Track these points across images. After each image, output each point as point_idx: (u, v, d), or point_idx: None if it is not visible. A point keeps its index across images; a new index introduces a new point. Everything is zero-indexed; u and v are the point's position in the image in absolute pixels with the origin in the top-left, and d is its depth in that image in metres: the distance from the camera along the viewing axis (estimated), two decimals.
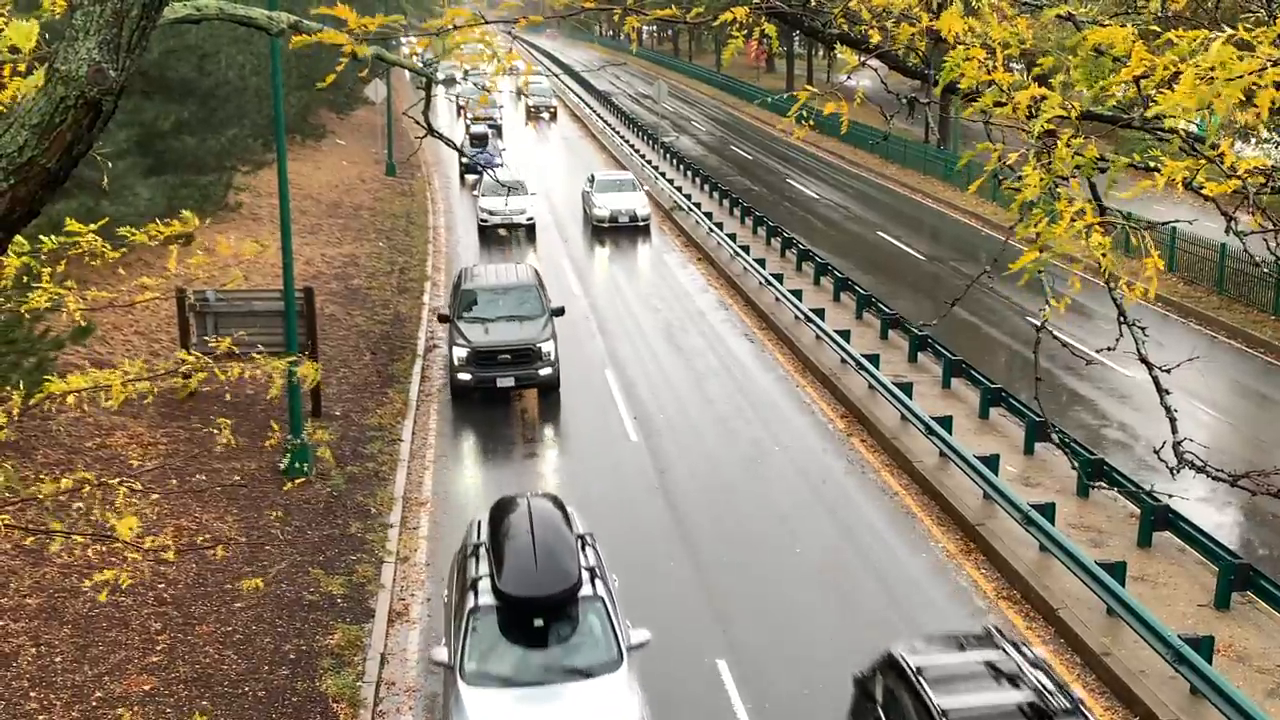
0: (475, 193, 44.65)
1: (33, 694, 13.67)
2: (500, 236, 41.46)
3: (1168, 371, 5.08)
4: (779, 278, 32.65)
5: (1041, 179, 4.82)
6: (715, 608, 16.78)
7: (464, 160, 49.41)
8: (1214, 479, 4.67)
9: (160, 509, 18.39)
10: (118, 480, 7.55)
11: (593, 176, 45.20)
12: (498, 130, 63.08)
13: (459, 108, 68.07)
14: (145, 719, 13.40)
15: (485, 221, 41.39)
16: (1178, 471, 4.95)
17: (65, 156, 4.78)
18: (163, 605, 15.89)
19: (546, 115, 78.99)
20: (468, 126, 61.54)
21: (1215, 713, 13.34)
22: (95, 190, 20.93)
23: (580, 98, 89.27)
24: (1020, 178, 4.87)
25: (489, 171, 48.09)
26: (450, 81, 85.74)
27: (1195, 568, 17.25)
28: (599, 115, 77.35)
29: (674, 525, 19.40)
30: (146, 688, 14.02)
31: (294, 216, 28.90)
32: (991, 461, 19.75)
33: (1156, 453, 5.24)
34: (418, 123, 6.45)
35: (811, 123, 6.16)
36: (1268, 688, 14.26)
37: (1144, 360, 5.01)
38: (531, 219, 41.92)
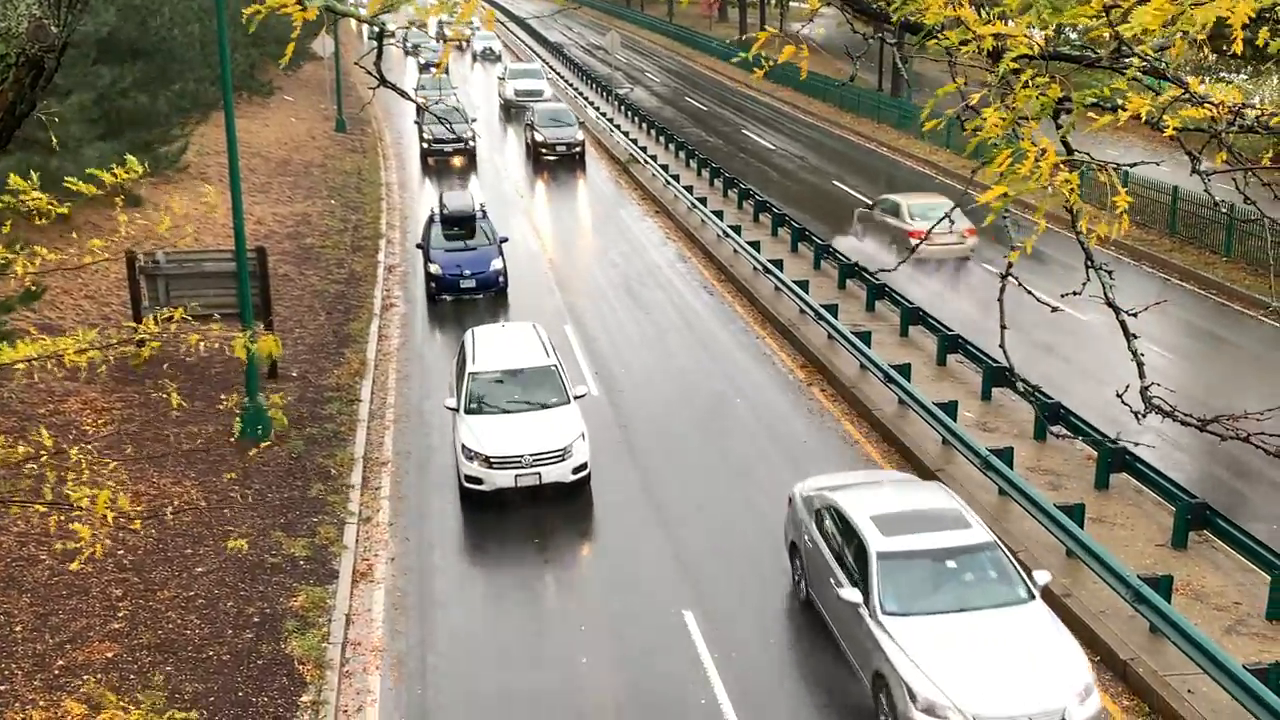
0: (450, 404, 19.55)
1: None
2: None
3: (1134, 315, 5.05)
4: (737, 229, 32.58)
5: (1003, 119, 4.76)
6: (681, 561, 16.82)
7: (432, 269, 28.05)
8: (1182, 424, 4.66)
9: (118, 475, 18.16)
10: (76, 450, 7.40)
11: (835, 512, 14.77)
12: (470, 156, 45.34)
13: (418, 110, 41.65)
14: (109, 687, 13.28)
15: (473, 485, 18.24)
16: (1144, 416, 4.92)
17: (8, 116, 4.63)
18: (123, 572, 15.73)
19: (558, 153, 45.53)
20: (427, 150, 45.58)
21: (1174, 650, 13.55)
22: (43, 148, 20.46)
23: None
24: (981, 116, 4.80)
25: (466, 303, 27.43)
26: (415, 50, 73.69)
27: (1153, 508, 17.47)
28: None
29: (638, 479, 19.40)
30: (109, 655, 13.90)
31: (243, 175, 28.52)
32: (950, 408, 19.87)
33: (1119, 395, 5.20)
34: (369, 73, 6.29)
35: (764, 72, 6.09)
36: (1225, 624, 14.50)
37: (1111, 305, 4.97)
38: (582, 469, 18.54)
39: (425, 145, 45.69)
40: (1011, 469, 17.67)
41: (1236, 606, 14.91)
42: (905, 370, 21.76)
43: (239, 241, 20.18)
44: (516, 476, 18.04)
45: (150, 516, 15.68)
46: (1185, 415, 4.62)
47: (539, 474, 18.05)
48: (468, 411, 18.96)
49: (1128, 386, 5.10)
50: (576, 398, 19.49)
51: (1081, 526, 16.04)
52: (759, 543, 17.22)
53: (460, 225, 29.39)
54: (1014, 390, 21.30)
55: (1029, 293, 5.68)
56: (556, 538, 17.67)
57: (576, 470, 18.32)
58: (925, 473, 19.09)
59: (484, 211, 30.35)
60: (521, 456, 18.05)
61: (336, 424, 21.08)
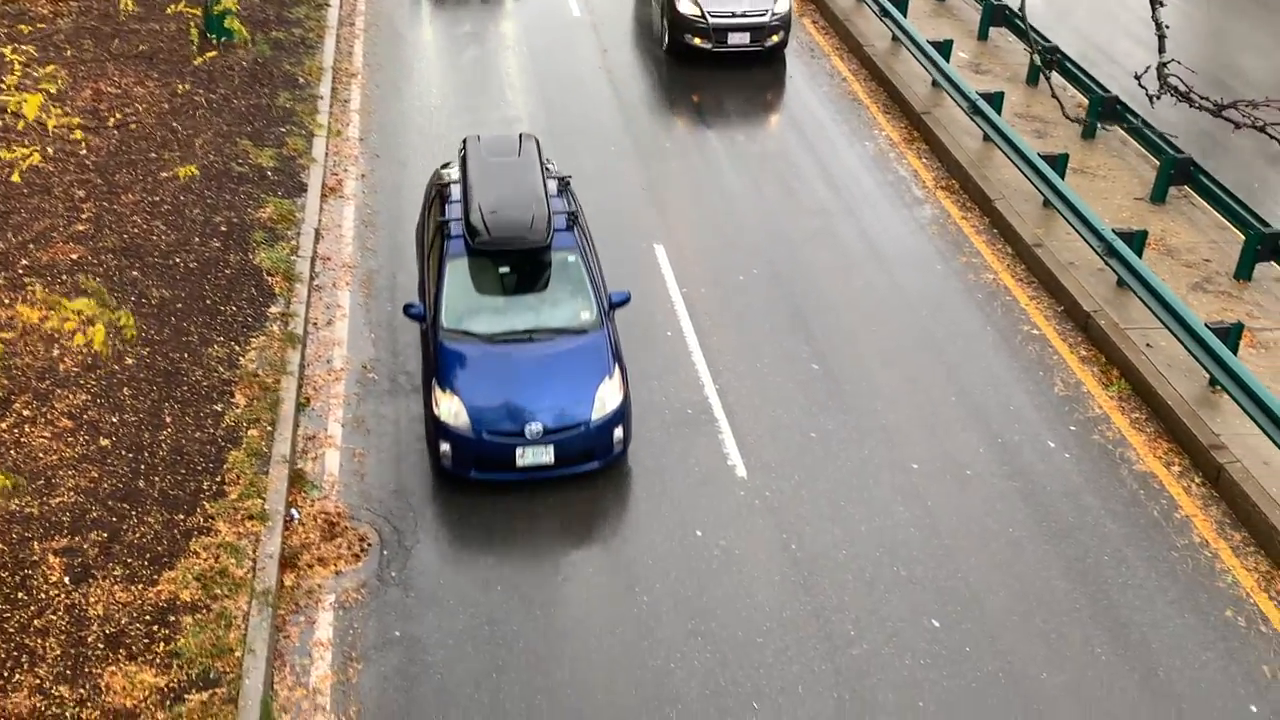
0: None
1: None
2: None
3: None
4: None
5: None
6: (655, 196, 16.58)
7: (444, 413, 11.09)
8: (1197, 108, 4.31)
9: (77, 71, 17.47)
10: (11, 49, 6.89)
11: None
12: None
13: None
14: (74, 289, 13.25)
15: None
16: (1158, 97, 4.54)
17: None
18: (85, 172, 15.39)
19: (730, 47, 20.16)
20: None
21: (1138, 305, 13.66)
22: None
23: None
24: None
25: None
26: None
27: (1136, 160, 17.19)
28: None
29: (618, 111, 18.83)
30: (74, 256, 13.79)
31: None
32: (944, 48, 19.13)
33: (1137, 78, 4.82)
34: None
35: None
36: (1192, 281, 14.56)
37: None
38: None
39: None
40: (999, 115, 17.22)
41: (1206, 264, 14.94)
42: (902, 4, 20.79)
43: None
44: None
45: (92, 127, 15.13)
46: (1201, 99, 4.26)
47: None
48: None
49: (1147, 68, 4.69)
50: None
51: (1062, 177, 15.81)
52: (728, 180, 16.94)
53: (515, 266, 12.09)
54: (1013, 30, 20.50)
55: None
56: None
57: None
58: (912, 116, 18.57)
59: (573, 216, 12.57)
60: None
61: (304, 29, 20.16)
